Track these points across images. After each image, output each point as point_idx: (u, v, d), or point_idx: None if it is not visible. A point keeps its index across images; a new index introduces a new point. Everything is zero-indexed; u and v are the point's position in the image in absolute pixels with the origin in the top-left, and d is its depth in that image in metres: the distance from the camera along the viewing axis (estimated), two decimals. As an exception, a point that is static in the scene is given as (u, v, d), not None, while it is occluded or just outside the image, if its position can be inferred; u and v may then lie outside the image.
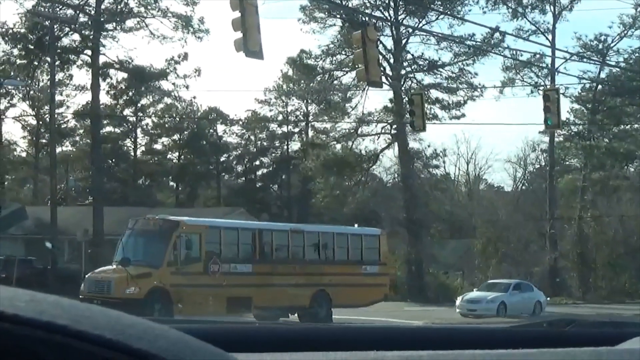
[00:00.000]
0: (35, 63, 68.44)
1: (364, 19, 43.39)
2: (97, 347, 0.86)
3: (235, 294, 32.26)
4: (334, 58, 65.20)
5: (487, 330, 2.75)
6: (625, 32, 69.76)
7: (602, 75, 72.33)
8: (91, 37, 61.77)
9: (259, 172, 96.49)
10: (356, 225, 42.92)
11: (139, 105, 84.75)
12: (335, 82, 65.91)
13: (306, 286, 35.01)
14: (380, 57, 46.97)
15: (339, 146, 67.43)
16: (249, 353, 1.60)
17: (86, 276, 32.99)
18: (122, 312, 0.98)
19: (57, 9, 58.43)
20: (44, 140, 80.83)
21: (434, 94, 64.93)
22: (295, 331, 2.50)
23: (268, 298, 32.89)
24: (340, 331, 2.53)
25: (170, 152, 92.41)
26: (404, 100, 55.87)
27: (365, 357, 1.69)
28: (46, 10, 58.20)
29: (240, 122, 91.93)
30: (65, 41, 64.81)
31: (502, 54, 63.51)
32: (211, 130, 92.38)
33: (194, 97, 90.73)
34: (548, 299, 59.25)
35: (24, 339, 0.85)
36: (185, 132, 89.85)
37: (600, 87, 72.40)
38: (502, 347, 1.90)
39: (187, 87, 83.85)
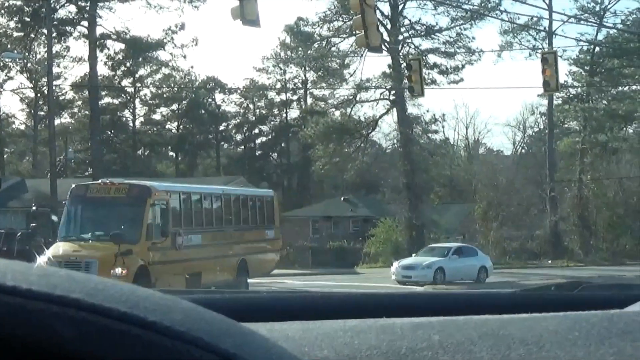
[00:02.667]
0: (32, 35, 68.36)
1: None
2: (110, 320, 0.87)
3: (192, 269, 28.51)
4: (332, 25, 65.05)
5: (494, 295, 2.77)
6: (623, -7, 69.59)
7: (600, 37, 72.32)
8: (87, 8, 61.66)
9: (258, 141, 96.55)
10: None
11: (137, 75, 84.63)
12: (333, 48, 65.80)
13: (232, 257, 31.84)
14: (378, 22, 46.87)
15: (337, 113, 67.45)
16: (258, 322, 1.63)
17: (49, 256, 26.61)
18: (135, 285, 0.98)
19: (53, -19, 58.26)
20: (42, 113, 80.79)
21: (432, 59, 64.92)
22: (301, 299, 2.52)
23: (211, 273, 29.55)
24: (348, 298, 2.56)
25: (169, 122, 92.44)
26: (402, 66, 55.75)
27: (374, 324, 1.71)
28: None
29: (239, 91, 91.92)
30: (62, 13, 64.77)
31: (499, 17, 63.44)
32: (209, 100, 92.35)
33: (192, 67, 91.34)
34: (549, 261, 59.56)
35: (38, 313, 0.85)
36: (184, 102, 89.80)
37: (598, 49, 72.25)
38: (510, 312, 1.90)
39: (184, 56, 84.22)
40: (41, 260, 26.09)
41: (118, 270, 25.37)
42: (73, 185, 30.11)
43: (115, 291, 0.92)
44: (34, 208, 44.58)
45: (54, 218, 45.13)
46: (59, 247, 27.20)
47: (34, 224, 40.46)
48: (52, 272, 0.94)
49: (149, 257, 27.00)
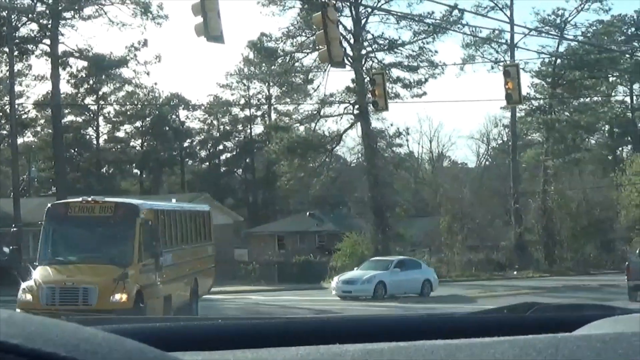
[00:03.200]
0: (-7, 54, 67.86)
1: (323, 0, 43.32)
2: None
3: (167, 291, 26.98)
4: (295, 40, 65.14)
5: (446, 319, 2.75)
6: (582, 5, 70.27)
7: (561, 49, 72.82)
8: (49, 26, 61.36)
9: (223, 157, 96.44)
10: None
11: (100, 93, 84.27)
12: (297, 64, 65.85)
13: (189, 276, 30.26)
14: (341, 37, 46.93)
15: (302, 128, 67.41)
16: (215, 351, 1.64)
17: (40, 282, 24.05)
18: (79, 325, 0.94)
19: (14, -1, 57.99)
20: (4, 132, 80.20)
21: (395, 72, 65.06)
22: (258, 326, 2.48)
23: (178, 295, 28.36)
24: (300, 324, 2.56)
25: (133, 140, 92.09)
26: (366, 80, 55.88)
27: (326, 352, 1.71)
28: (3, 0, 57.69)
29: (203, 107, 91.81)
30: (23, 31, 64.26)
31: (461, 31, 63.76)
32: (173, 116, 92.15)
33: (156, 84, 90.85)
34: (515, 272, 59.84)
35: None
36: (148, 119, 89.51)
37: (559, 61, 72.86)
38: (461, 336, 1.92)
39: (148, 73, 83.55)
40: (26, 285, 24.30)
41: (117, 297, 23.44)
42: (49, 205, 27.92)
43: (56, 333, 0.89)
44: (14, 229, 43.87)
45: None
46: (48, 272, 24.49)
47: (15, 246, 39.88)
48: None
49: (142, 280, 24.97)
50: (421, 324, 2.56)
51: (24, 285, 24.50)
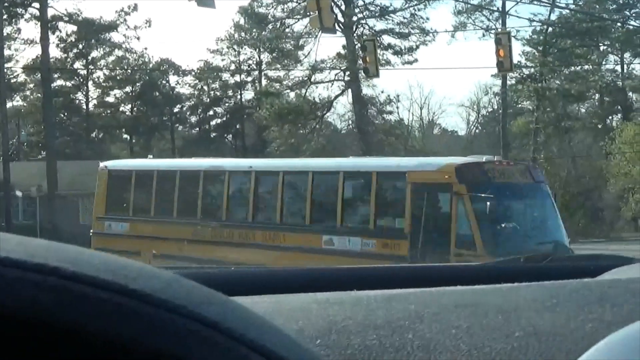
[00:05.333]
0: (-18, 18, 67.49)
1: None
2: (92, 288, 0.85)
3: None
4: (286, 6, 64.91)
5: (463, 268, 2.76)
6: (575, -27, 70.03)
7: (553, 17, 72.67)
8: (39, -11, 60.98)
9: (213, 123, 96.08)
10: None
11: (90, 58, 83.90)
12: (288, 30, 65.67)
13: None
14: (332, 3, 46.81)
15: (292, 94, 67.35)
16: (241, 296, 1.62)
17: None
18: (115, 255, 0.96)
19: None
20: (-6, 96, 79.92)
21: (386, 39, 64.96)
22: (268, 274, 2.51)
23: None
24: (316, 272, 2.55)
25: (122, 105, 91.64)
26: (357, 47, 55.78)
27: (347, 296, 1.70)
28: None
29: (193, 73, 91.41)
30: (12, -6, 63.92)
31: (453, -2, 63.56)
32: (164, 82, 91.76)
33: (146, 49, 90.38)
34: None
35: (17, 281, 0.83)
36: (138, 84, 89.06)
37: (550, 29, 72.71)
38: (481, 283, 1.91)
39: (138, 38, 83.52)
40: None
41: None
42: (460, 163, 22.39)
43: (95, 259, 0.90)
44: (19, 193, 44.10)
45: (19, 193, 43.52)
46: None
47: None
48: (30, 241, 0.91)
49: None
50: (440, 273, 2.54)
51: None
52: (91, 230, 30.66)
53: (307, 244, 23.35)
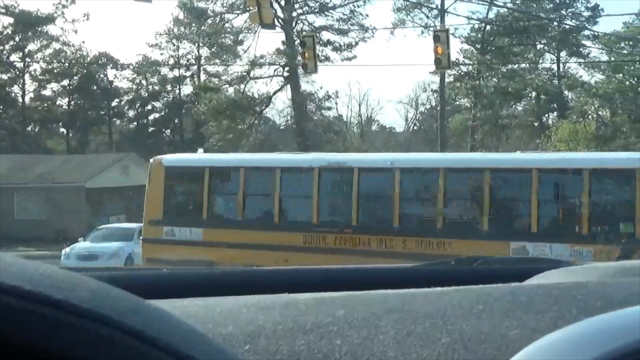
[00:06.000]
0: None
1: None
2: (15, 298, 0.83)
3: None
4: (225, 0, 64.69)
5: (393, 271, 2.73)
6: (513, -28, 70.66)
7: (491, 15, 73.28)
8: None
9: (151, 117, 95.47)
10: None
11: (27, 50, 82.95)
12: (227, 25, 65.45)
13: None
14: (271, -1, 46.75)
15: (231, 89, 67.12)
16: (159, 300, 1.59)
17: None
18: (40, 263, 0.94)
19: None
20: None
21: (326, 35, 65.04)
22: (201, 276, 2.48)
23: None
24: (248, 275, 2.54)
25: (59, 98, 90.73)
26: (296, 43, 55.75)
27: (277, 300, 1.69)
28: None
29: (131, 67, 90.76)
30: (-53, -15, 62.99)
31: (392, -5, 63.82)
32: (101, 76, 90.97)
33: (83, 42, 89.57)
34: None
35: None
36: (75, 78, 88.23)
37: (488, 27, 73.32)
38: (410, 287, 1.90)
39: (75, 31, 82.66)
40: None
41: None
42: None
43: (18, 269, 0.89)
44: None
45: None
46: None
47: None
48: None
49: None
50: (371, 275, 2.54)
51: None
52: (140, 237, 26.73)
53: (487, 253, 18.63)
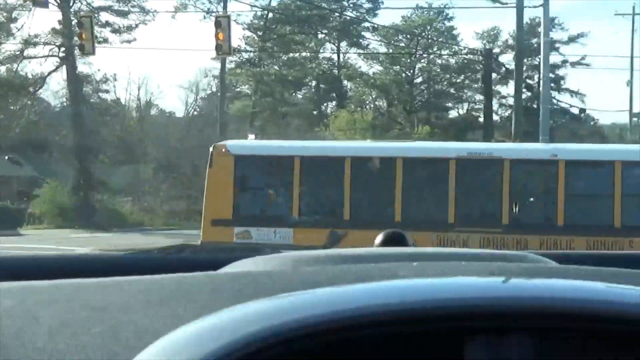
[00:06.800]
0: None
1: None
2: None
3: None
4: (-3, -25, 62.07)
5: (92, 259, 2.72)
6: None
7: (274, 3, 73.54)
8: None
9: None
10: None
11: None
12: (0, 1, 62.85)
13: None
14: (47, -24, 45.02)
15: (3, 69, 64.60)
16: None
17: None
18: None
19: None
20: None
21: (105, 17, 63.41)
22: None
23: None
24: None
25: None
26: (73, 23, 54.04)
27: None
28: None
29: None
30: None
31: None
32: None
33: None
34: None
35: None
36: None
37: (271, 15, 73.50)
38: (109, 275, 1.87)
39: None
40: None
41: None
42: None
43: None
44: None
45: None
46: None
47: None
48: None
49: None
50: (69, 264, 2.44)
51: None
52: (200, 241, 22.19)
53: None
